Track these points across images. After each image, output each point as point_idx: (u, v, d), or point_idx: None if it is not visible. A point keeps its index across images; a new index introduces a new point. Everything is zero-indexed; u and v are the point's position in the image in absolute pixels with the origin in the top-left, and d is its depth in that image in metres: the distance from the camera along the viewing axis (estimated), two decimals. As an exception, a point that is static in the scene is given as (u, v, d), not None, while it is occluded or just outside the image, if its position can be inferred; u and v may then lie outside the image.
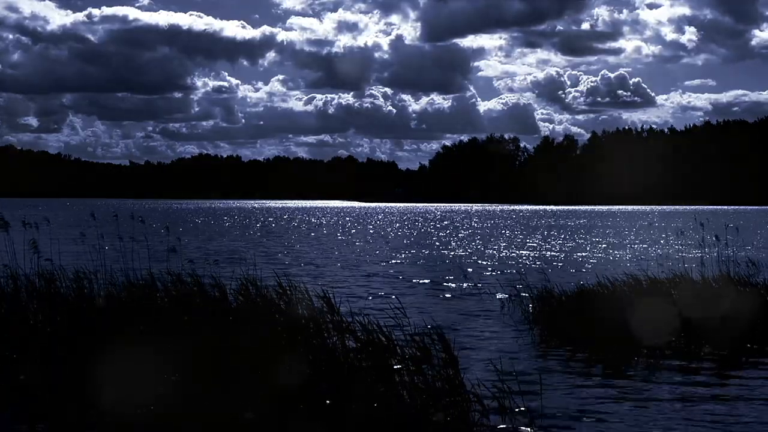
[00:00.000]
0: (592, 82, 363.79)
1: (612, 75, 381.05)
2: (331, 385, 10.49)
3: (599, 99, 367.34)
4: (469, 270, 32.09)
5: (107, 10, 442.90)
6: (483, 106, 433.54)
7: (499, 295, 22.13)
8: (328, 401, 10.31)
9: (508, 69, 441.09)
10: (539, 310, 18.07)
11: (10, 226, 14.58)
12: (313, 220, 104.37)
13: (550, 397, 11.69)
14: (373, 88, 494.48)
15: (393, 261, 37.77)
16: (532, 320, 17.89)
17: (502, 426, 9.96)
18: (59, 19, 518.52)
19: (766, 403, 11.85)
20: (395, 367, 10.41)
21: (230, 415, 10.46)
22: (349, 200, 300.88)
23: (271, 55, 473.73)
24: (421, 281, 28.41)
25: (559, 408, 11.33)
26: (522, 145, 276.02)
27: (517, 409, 10.01)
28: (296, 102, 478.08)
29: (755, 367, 14.02)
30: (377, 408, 9.97)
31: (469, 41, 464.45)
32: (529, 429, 10.03)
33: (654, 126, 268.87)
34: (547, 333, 16.97)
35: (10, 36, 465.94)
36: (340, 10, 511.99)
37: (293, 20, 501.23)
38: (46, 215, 17.61)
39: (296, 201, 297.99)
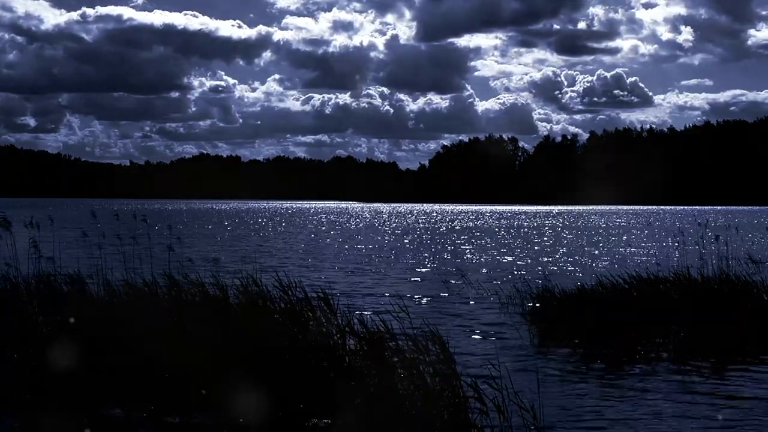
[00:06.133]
0: (588, 81, 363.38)
1: (608, 74, 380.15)
2: (331, 384, 10.52)
3: (596, 99, 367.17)
4: (469, 270, 32.10)
5: (101, 10, 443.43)
6: (481, 106, 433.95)
7: (498, 295, 22.14)
8: (328, 401, 10.34)
9: (504, 69, 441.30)
10: (539, 310, 18.09)
11: (11, 226, 14.60)
12: (315, 219, 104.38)
13: (548, 397, 11.71)
14: (370, 87, 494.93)
15: (392, 260, 37.78)
16: (531, 320, 17.91)
17: (500, 425, 9.98)
18: (53, 18, 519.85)
19: (765, 403, 11.87)
20: (394, 366, 10.43)
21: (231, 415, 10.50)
22: (350, 200, 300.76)
23: (267, 54, 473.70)
24: (420, 281, 28.43)
25: (557, 407, 11.35)
26: (521, 145, 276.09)
27: (515, 409, 10.03)
28: (293, 102, 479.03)
29: (755, 367, 14.03)
30: (377, 407, 9.99)
31: (465, 41, 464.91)
32: (527, 428, 10.04)
33: (653, 126, 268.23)
34: (547, 333, 16.99)
35: (6, 36, 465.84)
36: (334, 9, 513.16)
37: (288, 20, 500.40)
38: (48, 215, 17.63)
39: (298, 202, 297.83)
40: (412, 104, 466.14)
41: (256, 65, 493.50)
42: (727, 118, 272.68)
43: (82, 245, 16.41)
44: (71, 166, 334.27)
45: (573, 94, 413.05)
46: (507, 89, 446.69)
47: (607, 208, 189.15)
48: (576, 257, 40.35)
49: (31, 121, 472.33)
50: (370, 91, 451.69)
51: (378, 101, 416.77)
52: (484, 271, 32.36)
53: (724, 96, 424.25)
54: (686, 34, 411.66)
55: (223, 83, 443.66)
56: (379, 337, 10.87)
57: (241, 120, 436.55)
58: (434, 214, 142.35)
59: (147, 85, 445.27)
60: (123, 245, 15.47)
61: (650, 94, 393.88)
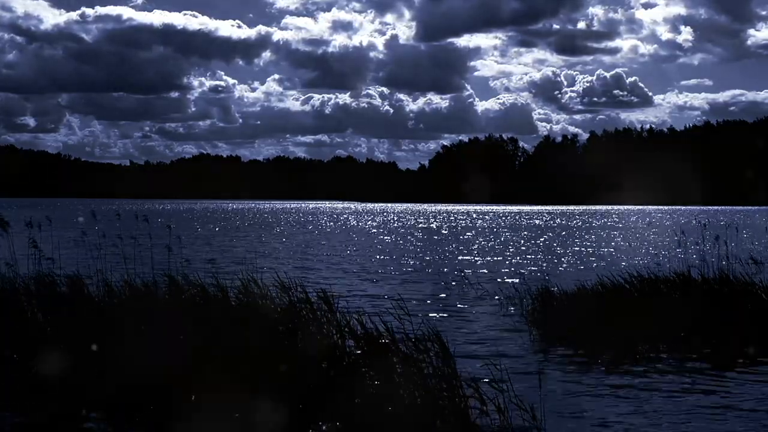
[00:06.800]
0: (588, 81, 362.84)
1: (608, 74, 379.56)
2: (331, 384, 10.51)
3: (596, 99, 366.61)
4: (469, 270, 32.08)
5: (101, 10, 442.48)
6: (481, 106, 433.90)
7: (498, 295, 22.13)
8: (328, 401, 10.33)
9: (504, 69, 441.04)
10: (539, 310, 18.09)
11: (9, 226, 14.60)
12: (314, 220, 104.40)
13: (549, 397, 11.70)
14: (369, 87, 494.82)
15: (392, 261, 37.76)
16: (531, 320, 17.90)
17: (500, 425, 9.97)
18: (53, 18, 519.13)
19: (764, 403, 11.87)
20: (394, 366, 10.43)
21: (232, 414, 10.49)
22: (350, 200, 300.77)
23: (266, 54, 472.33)
24: (420, 281, 28.42)
25: (558, 408, 11.34)
26: (521, 145, 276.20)
27: (515, 409, 10.02)
28: (293, 102, 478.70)
29: (755, 367, 14.02)
30: (376, 407, 9.99)
31: (465, 41, 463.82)
32: (527, 429, 10.04)
33: (653, 126, 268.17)
34: (547, 333, 16.98)
35: (5, 35, 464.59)
36: (334, 9, 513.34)
37: (288, 20, 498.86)
38: (47, 215, 17.62)
39: (298, 202, 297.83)
40: (412, 104, 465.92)
41: (255, 65, 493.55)
42: (727, 118, 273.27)
43: (81, 245, 16.39)
44: (71, 166, 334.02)
45: (573, 94, 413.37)
46: (507, 89, 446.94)
47: (607, 208, 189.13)
48: (576, 257, 40.34)
49: (31, 121, 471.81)
50: (369, 91, 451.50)
51: (378, 101, 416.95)
52: (484, 271, 32.35)
53: (723, 96, 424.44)
54: (686, 34, 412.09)
55: (222, 83, 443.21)
56: (378, 337, 10.87)
57: (240, 120, 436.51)
58: (434, 214, 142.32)
59: (147, 85, 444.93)
60: (124, 245, 15.46)
61: (650, 94, 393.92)
